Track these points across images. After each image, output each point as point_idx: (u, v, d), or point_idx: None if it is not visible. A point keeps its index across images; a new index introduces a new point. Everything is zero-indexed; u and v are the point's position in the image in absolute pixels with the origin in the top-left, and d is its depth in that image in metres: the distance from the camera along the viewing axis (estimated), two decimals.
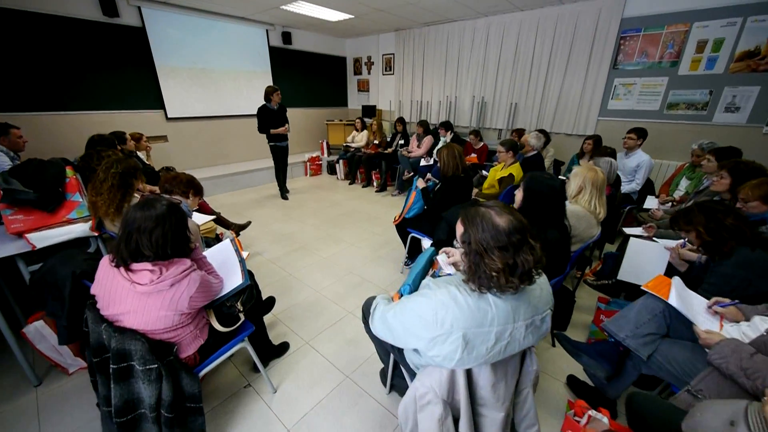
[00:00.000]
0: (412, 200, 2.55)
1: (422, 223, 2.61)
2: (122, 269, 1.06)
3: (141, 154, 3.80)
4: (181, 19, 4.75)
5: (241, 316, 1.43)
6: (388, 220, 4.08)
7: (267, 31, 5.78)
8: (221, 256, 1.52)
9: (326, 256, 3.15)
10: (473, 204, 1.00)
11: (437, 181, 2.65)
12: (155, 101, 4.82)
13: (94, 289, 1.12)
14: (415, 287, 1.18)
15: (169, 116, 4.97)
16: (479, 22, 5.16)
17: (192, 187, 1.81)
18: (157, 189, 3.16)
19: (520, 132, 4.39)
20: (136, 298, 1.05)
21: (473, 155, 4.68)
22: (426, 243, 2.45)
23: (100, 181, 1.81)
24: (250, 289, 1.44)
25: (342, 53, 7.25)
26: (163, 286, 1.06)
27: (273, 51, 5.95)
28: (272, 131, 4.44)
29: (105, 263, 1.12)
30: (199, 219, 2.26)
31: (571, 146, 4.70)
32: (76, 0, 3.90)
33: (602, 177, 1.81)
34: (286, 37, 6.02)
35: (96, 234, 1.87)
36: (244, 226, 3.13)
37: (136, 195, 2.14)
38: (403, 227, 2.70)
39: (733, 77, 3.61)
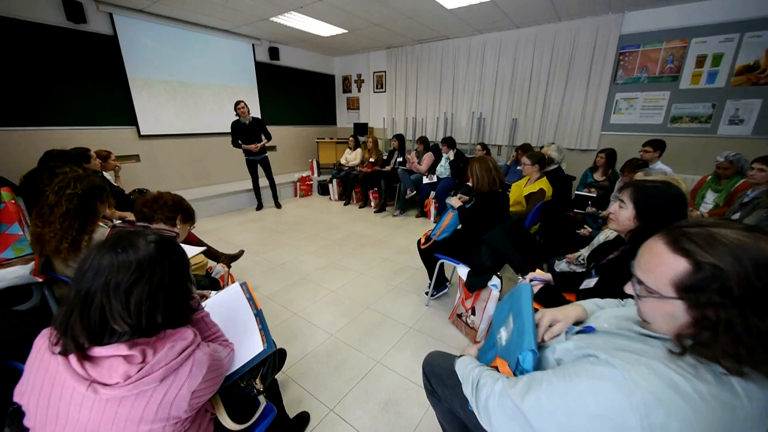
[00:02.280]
0: (447, 222, 2.19)
1: (452, 247, 2.24)
2: (73, 358, 0.61)
3: (108, 175, 3.25)
4: (159, 28, 4.34)
5: (262, 399, 0.97)
6: (396, 243, 3.70)
7: (253, 45, 5.46)
8: (227, 309, 1.08)
9: (334, 289, 2.70)
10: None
11: (464, 198, 2.32)
12: (126, 117, 4.29)
13: (20, 393, 0.65)
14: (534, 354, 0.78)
15: (141, 133, 4.44)
16: (474, 40, 5.11)
17: (180, 210, 1.35)
18: (129, 215, 2.64)
19: (526, 148, 4.21)
20: (98, 410, 0.60)
21: None
22: (462, 270, 2.08)
23: (50, 205, 1.33)
24: (272, 356, 0.99)
25: (330, 71, 7.04)
26: (148, 384, 0.61)
27: (259, 66, 5.62)
28: (243, 146, 4.48)
29: (41, 346, 0.65)
30: (187, 252, 1.79)
31: (575, 160, 4.60)
32: (36, 2, 3.41)
33: (686, 188, 1.55)
34: (274, 52, 5.73)
35: (40, 279, 1.36)
36: (236, 257, 2.64)
37: (101, 224, 1.65)
38: (429, 253, 2.32)
39: (734, 90, 3.64)
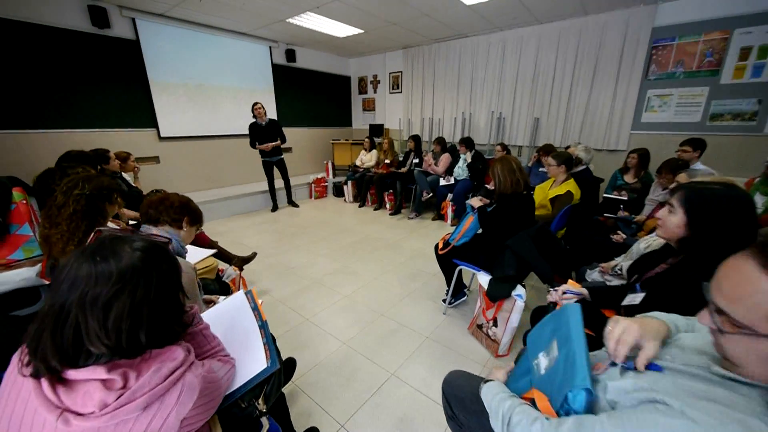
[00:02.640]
0: (467, 226, 2.06)
1: (472, 253, 2.11)
2: (45, 382, 0.53)
3: (128, 176, 3.30)
4: (179, 33, 4.41)
5: (265, 421, 0.88)
6: (411, 246, 3.58)
7: (270, 48, 5.49)
8: (230, 319, 1.00)
9: (347, 294, 2.61)
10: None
11: (486, 201, 2.18)
12: (147, 119, 4.37)
13: None
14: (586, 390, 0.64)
15: (162, 135, 4.51)
16: (493, 37, 4.94)
17: (187, 212, 1.29)
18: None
19: (548, 149, 4.00)
20: None
21: None
22: (483, 278, 1.94)
23: (57, 206, 1.29)
24: (277, 373, 0.90)
25: (346, 72, 7.02)
26: (128, 413, 0.53)
27: (276, 68, 5.64)
28: (258, 146, 4.52)
29: (12, 368, 0.58)
30: (195, 255, 1.74)
31: (602, 161, 4.34)
32: (63, 9, 3.52)
33: None
34: (290, 54, 5.75)
35: (47, 282, 1.33)
36: (248, 259, 2.60)
37: (111, 225, 1.62)
38: (447, 258, 2.19)
39: None
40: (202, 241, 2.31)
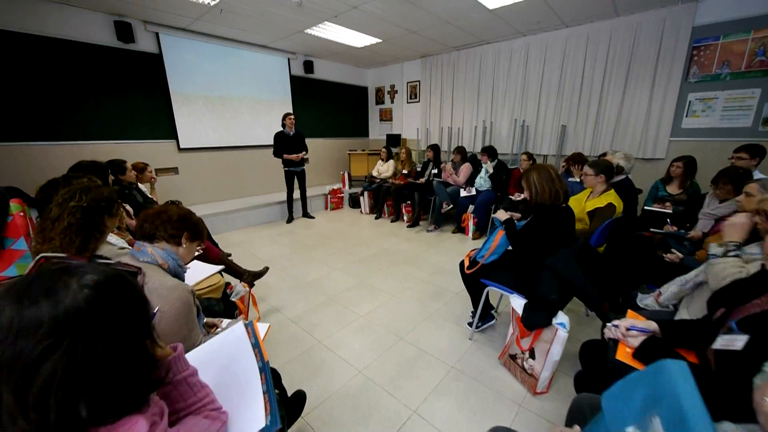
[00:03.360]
0: (497, 242, 1.85)
1: (502, 271, 1.89)
2: None
3: (144, 187, 3.28)
4: (200, 46, 4.48)
5: None
6: (431, 261, 3.36)
7: (288, 59, 5.52)
8: (224, 358, 0.83)
9: (363, 314, 2.42)
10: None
11: (517, 215, 1.96)
12: (167, 131, 4.42)
13: None
14: None
15: (181, 146, 4.55)
16: (516, 43, 4.76)
17: (187, 227, 1.15)
18: None
19: (577, 158, 3.72)
20: None
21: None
22: (517, 301, 1.71)
23: (51, 219, 1.19)
24: None
25: (363, 83, 6.99)
26: None
27: (294, 80, 5.66)
28: (285, 156, 4.51)
29: None
30: (200, 273, 1.61)
31: (637, 171, 4.01)
32: (89, 24, 3.61)
33: None
34: (308, 66, 5.76)
35: None
36: (259, 274, 2.46)
37: (117, 237, 1.52)
38: (475, 278, 1.98)
39: None
40: (210, 256, 2.20)
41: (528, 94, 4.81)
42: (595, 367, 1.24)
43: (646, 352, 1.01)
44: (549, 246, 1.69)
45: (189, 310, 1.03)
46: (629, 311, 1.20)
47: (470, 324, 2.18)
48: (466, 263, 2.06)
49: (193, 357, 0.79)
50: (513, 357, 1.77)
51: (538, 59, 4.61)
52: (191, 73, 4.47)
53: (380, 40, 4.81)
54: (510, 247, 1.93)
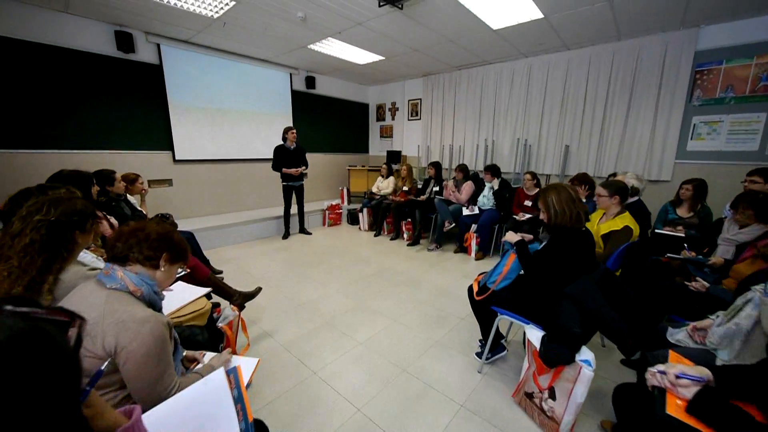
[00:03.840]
0: (509, 266, 1.71)
1: (518, 298, 1.73)
2: None
3: (134, 199, 3.13)
4: (201, 58, 4.45)
5: None
6: (433, 283, 3.20)
7: (291, 74, 5.51)
8: (201, 415, 0.67)
9: (362, 341, 2.23)
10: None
11: (541, 239, 1.83)
12: (164, 142, 4.31)
13: None
14: None
15: (176, 158, 4.43)
16: (519, 64, 4.79)
17: (166, 247, 0.99)
18: None
19: (582, 178, 3.63)
20: None
21: (528, 203, 3.93)
22: (533, 333, 1.55)
23: (12, 234, 1.04)
24: None
25: (365, 100, 7.01)
26: None
27: (295, 95, 5.64)
28: (284, 170, 4.42)
29: None
30: (182, 296, 1.45)
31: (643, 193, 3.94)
32: (90, 34, 3.56)
33: None
34: (310, 81, 5.76)
35: None
36: (251, 295, 2.28)
37: (86, 260, 1.35)
38: (485, 305, 1.82)
39: None
40: (198, 275, 2.03)
41: (530, 114, 4.80)
42: (637, 421, 1.08)
43: (703, 407, 0.86)
44: (569, 272, 1.55)
45: (162, 347, 0.86)
46: (672, 353, 1.06)
47: (479, 355, 2.00)
48: (475, 288, 1.91)
49: (160, 415, 0.63)
50: (530, 396, 1.60)
51: (540, 80, 4.62)
52: (191, 84, 4.41)
53: (383, 58, 4.82)
54: (522, 272, 1.79)
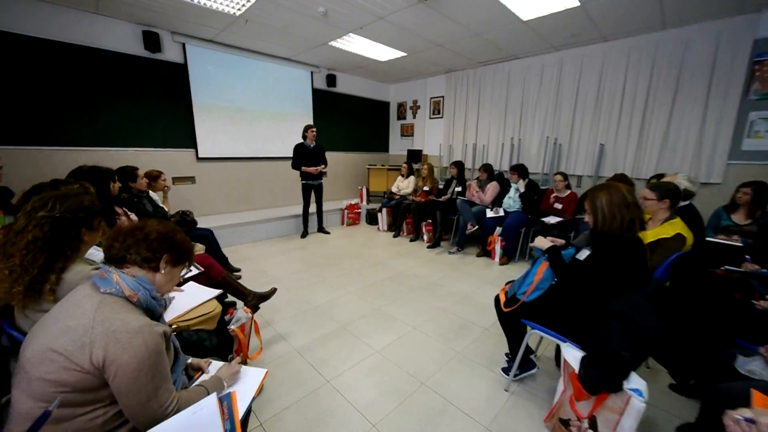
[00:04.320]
0: (540, 275, 1.54)
1: (552, 311, 1.56)
2: None
3: (156, 195, 3.16)
4: (224, 57, 4.49)
5: None
6: (454, 288, 3.04)
7: (312, 73, 5.49)
8: None
9: (378, 348, 2.11)
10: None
11: (575, 244, 1.64)
12: (187, 140, 4.38)
13: None
14: None
15: (199, 156, 4.49)
16: (548, 58, 4.52)
17: (168, 248, 0.91)
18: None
19: (621, 179, 3.35)
20: None
21: (558, 206, 3.67)
22: (570, 352, 1.38)
23: (15, 230, 1.00)
24: None
25: (386, 98, 6.90)
26: None
27: (316, 93, 5.61)
28: (303, 169, 4.36)
29: None
30: (192, 298, 1.38)
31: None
32: (119, 34, 3.65)
33: None
34: (331, 79, 5.72)
35: None
36: (266, 296, 2.22)
37: (97, 256, 1.31)
38: (514, 317, 1.65)
39: None
40: (212, 274, 1.98)
41: (561, 111, 4.52)
42: None
43: None
44: (616, 287, 1.36)
45: (157, 360, 0.78)
46: (756, 394, 0.86)
47: (506, 370, 1.84)
48: (502, 299, 1.74)
49: None
50: (565, 423, 1.42)
51: (572, 75, 4.34)
52: (214, 83, 4.46)
53: (405, 54, 4.69)
54: (555, 281, 1.61)
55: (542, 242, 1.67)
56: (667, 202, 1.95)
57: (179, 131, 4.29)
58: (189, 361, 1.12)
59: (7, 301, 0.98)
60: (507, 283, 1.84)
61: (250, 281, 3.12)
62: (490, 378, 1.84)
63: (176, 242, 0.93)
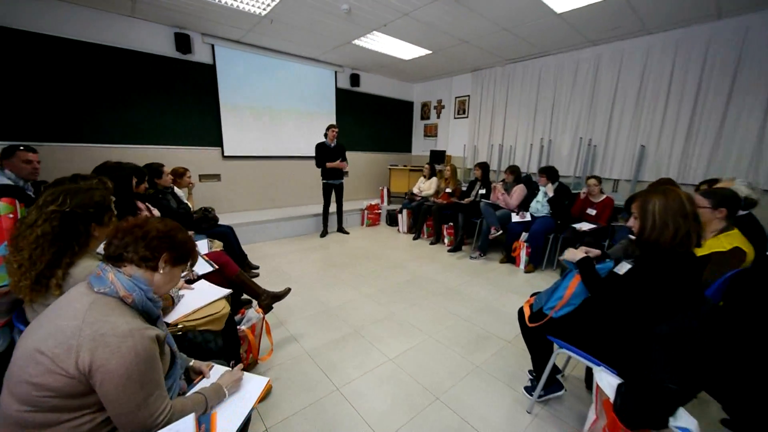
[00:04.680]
0: (572, 290, 1.39)
1: (579, 329, 1.40)
2: None
3: (181, 192, 3.24)
4: (251, 58, 4.58)
5: None
6: (475, 295, 2.89)
7: (335, 72, 5.49)
8: None
9: (392, 356, 2.02)
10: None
11: (609, 256, 1.47)
12: (214, 138, 4.50)
13: None
14: None
15: (225, 154, 4.60)
16: (585, 53, 4.24)
17: (167, 246, 0.87)
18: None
19: (667, 184, 3.04)
20: None
21: (591, 212, 3.42)
22: (605, 378, 1.22)
23: (27, 224, 1.00)
24: None
25: (410, 98, 6.80)
26: None
27: (339, 93, 5.61)
28: (328, 164, 4.36)
29: None
30: (200, 297, 1.36)
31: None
32: (152, 36, 3.80)
33: None
34: (355, 79, 5.70)
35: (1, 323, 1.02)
36: (280, 296, 2.19)
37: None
38: (540, 333, 1.51)
39: None
40: (227, 272, 1.97)
41: (596, 110, 4.22)
42: None
43: None
44: (663, 307, 1.19)
45: (148, 366, 0.73)
46: None
47: (529, 390, 1.69)
48: (527, 312, 1.59)
49: None
50: None
51: (611, 70, 4.04)
52: (240, 83, 4.56)
53: (430, 52, 4.57)
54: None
55: (573, 254, 1.50)
56: (723, 212, 1.71)
57: (206, 130, 4.41)
58: (191, 363, 1.09)
59: (16, 294, 0.98)
60: (532, 295, 1.69)
61: (267, 279, 3.14)
62: (512, 397, 1.70)
63: (177, 241, 0.89)
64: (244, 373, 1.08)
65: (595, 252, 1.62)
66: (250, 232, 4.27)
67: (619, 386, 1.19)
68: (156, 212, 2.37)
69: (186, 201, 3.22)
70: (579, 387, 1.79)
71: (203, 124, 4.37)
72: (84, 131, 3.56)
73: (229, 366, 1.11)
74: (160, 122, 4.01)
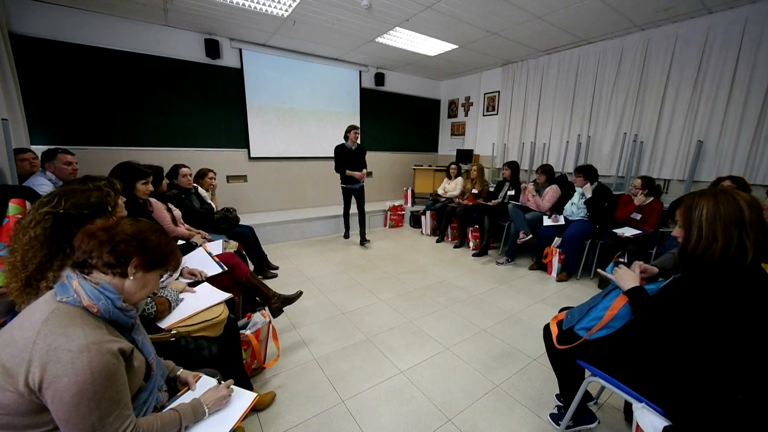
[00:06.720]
0: (614, 312, 1.18)
1: (617, 356, 1.19)
2: None
3: (205, 193, 3.33)
4: (276, 60, 4.65)
5: None
6: (500, 305, 2.68)
7: (360, 72, 5.44)
8: None
9: (404, 369, 1.89)
10: None
11: (668, 272, 1.24)
12: (241, 140, 4.62)
13: None
14: None
15: (251, 155, 4.71)
16: (630, 39, 3.82)
17: (137, 251, 0.80)
18: (198, 234, 2.48)
19: (738, 181, 2.59)
20: None
21: (636, 216, 3.05)
22: (648, 417, 1.01)
23: (23, 226, 0.99)
24: None
25: (436, 96, 6.60)
26: None
27: (364, 92, 5.56)
28: (347, 172, 4.09)
29: None
30: (204, 301, 1.32)
31: None
32: (184, 43, 3.96)
33: None
34: (379, 78, 5.61)
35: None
36: (291, 299, 2.14)
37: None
38: (570, 356, 1.31)
39: None
40: (236, 273, 1.94)
41: (643, 103, 3.79)
42: None
43: None
44: (718, 336, 0.96)
45: (106, 384, 0.67)
46: None
47: (555, 418, 1.49)
48: (554, 331, 1.39)
49: None
50: None
51: (662, 57, 3.60)
52: (266, 86, 4.64)
53: (456, 46, 4.37)
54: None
55: (626, 278, 1.19)
56: None
57: (234, 133, 4.54)
58: (179, 373, 1.04)
59: (10, 293, 0.98)
60: (562, 310, 1.49)
61: (285, 280, 3.13)
62: (535, 425, 1.50)
63: (148, 244, 0.83)
64: (234, 388, 1.02)
65: (652, 270, 1.38)
66: (273, 232, 4.33)
67: (666, 429, 0.98)
68: (177, 212, 2.42)
69: (209, 201, 3.30)
70: (616, 418, 1.55)
71: (231, 127, 4.50)
72: (118, 135, 3.77)
73: (217, 380, 1.05)
74: (190, 125, 4.18)
